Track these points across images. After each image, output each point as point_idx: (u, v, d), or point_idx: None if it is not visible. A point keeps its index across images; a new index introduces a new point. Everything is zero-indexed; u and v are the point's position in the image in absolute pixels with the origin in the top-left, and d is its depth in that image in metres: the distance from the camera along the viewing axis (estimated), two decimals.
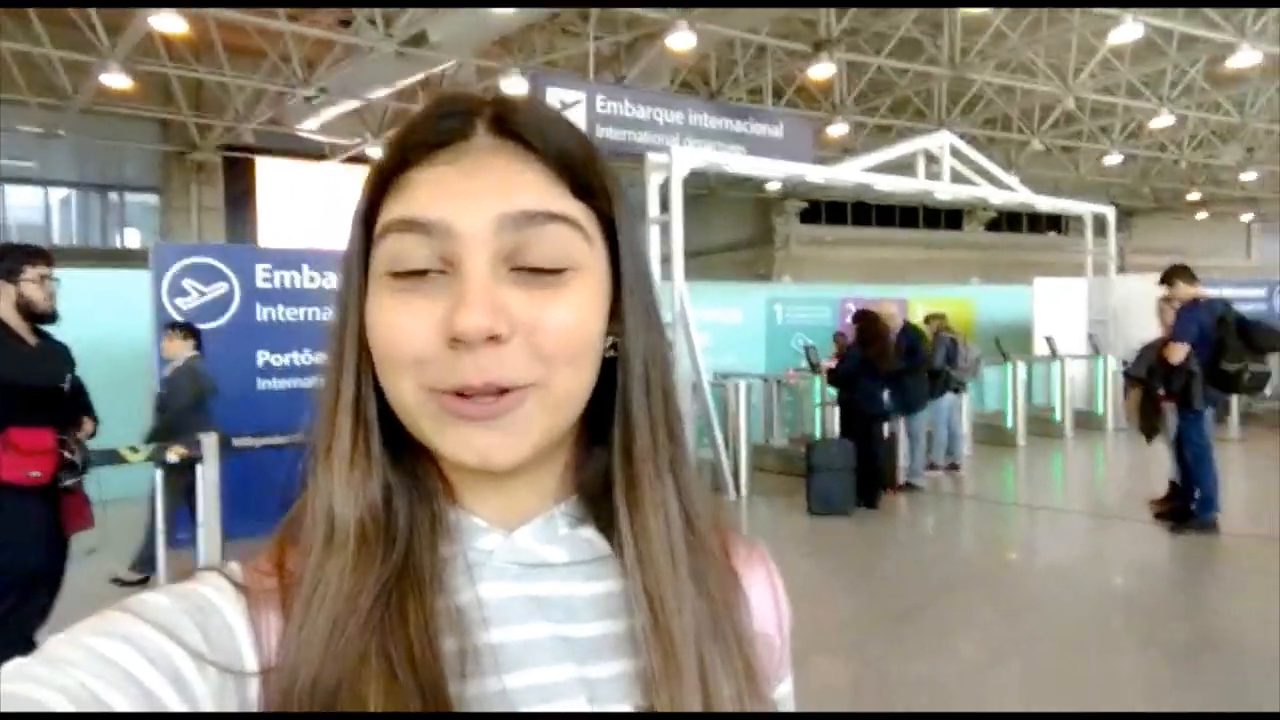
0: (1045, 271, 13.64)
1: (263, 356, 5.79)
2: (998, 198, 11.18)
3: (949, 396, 8.16)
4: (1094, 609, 4.68)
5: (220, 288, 5.69)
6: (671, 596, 0.50)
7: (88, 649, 0.40)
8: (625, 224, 0.52)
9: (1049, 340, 10.98)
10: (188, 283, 5.63)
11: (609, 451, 0.52)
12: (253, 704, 0.44)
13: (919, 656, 4.05)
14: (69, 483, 3.05)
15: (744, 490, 7.66)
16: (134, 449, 3.74)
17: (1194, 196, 25.08)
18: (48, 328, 3.23)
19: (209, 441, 3.72)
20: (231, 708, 0.43)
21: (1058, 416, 10.72)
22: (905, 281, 16.97)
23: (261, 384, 5.73)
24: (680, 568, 0.51)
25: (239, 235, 18.37)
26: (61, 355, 3.24)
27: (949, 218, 25.65)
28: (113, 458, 3.57)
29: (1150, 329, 6.41)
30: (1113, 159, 19.73)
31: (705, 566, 0.53)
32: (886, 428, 7.59)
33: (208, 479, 3.67)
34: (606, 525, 0.52)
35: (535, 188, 0.48)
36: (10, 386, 3.02)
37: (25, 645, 3.03)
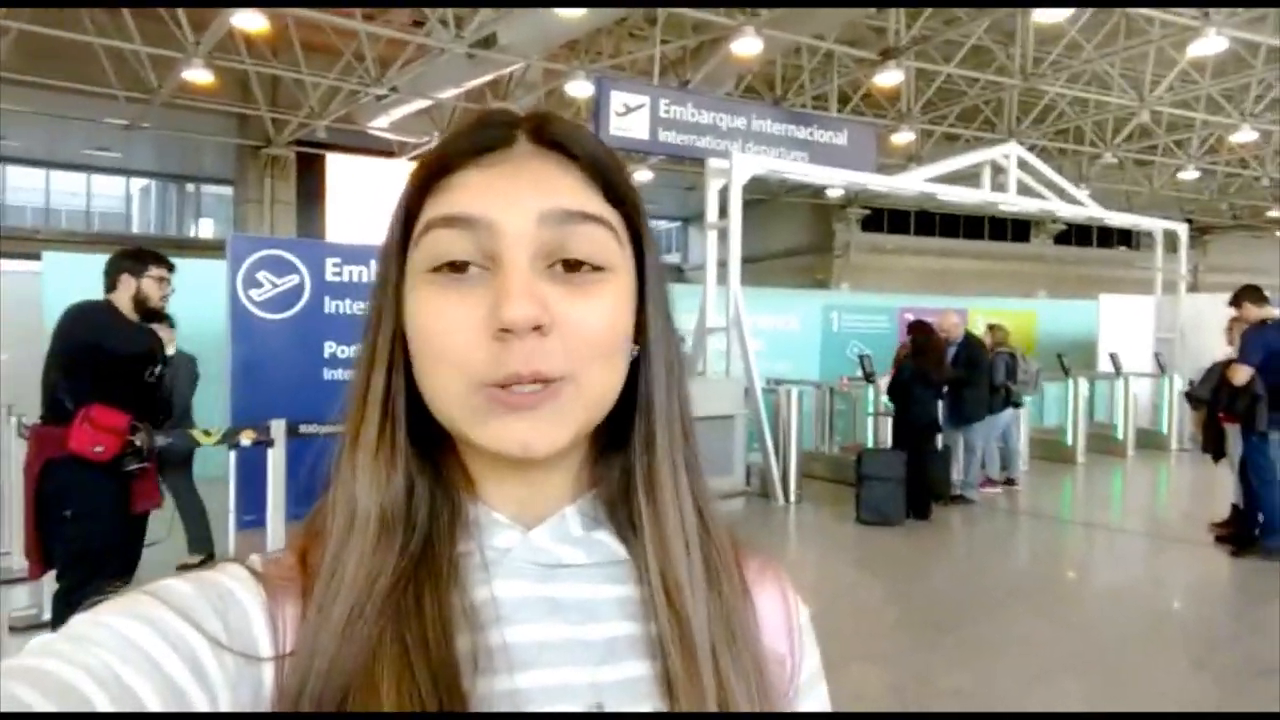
0: (1114, 287, 13.32)
1: (329, 348, 5.96)
2: (1065, 211, 10.96)
3: (1008, 411, 8.04)
4: (1143, 630, 4.60)
5: (292, 280, 5.89)
6: (689, 595, 0.51)
7: (112, 630, 0.41)
8: (648, 233, 0.54)
9: (1113, 357, 10.73)
10: (261, 274, 5.83)
11: (629, 450, 0.54)
12: (268, 691, 0.45)
13: (960, 668, 4.04)
14: (131, 468, 3.23)
15: (793, 496, 7.66)
16: (207, 432, 3.94)
17: (1275, 214, 24.15)
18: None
19: (278, 426, 3.89)
20: (247, 694, 0.44)
21: (1119, 435, 10.47)
22: (967, 293, 16.71)
23: (328, 374, 5.90)
24: (694, 558, 0.52)
25: (309, 229, 18.87)
26: (158, 341, 3.47)
27: (1015, 229, 25.13)
28: (188, 439, 3.75)
29: (1218, 349, 6.27)
30: (1188, 174, 19.13)
31: (717, 561, 0.54)
32: (941, 440, 7.55)
33: (276, 462, 3.84)
34: (621, 528, 0.54)
35: (573, 190, 0.50)
36: (106, 360, 3.25)
37: None
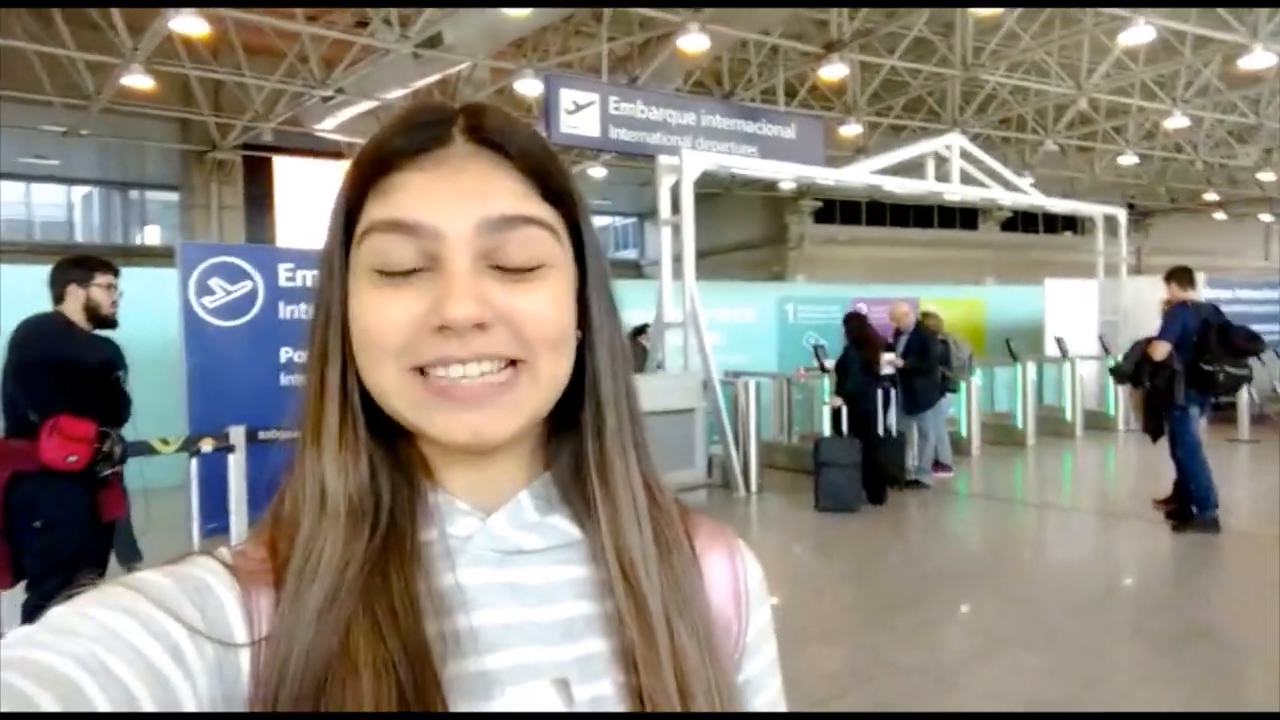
0: (1061, 271, 13.66)
1: (286, 353, 5.94)
2: (1008, 199, 11.23)
3: (946, 397, 8.26)
4: (1088, 602, 4.77)
5: (245, 286, 5.85)
6: (643, 571, 0.53)
7: (93, 620, 0.41)
8: (587, 225, 0.56)
9: (1059, 341, 11.02)
10: (214, 281, 5.79)
11: (579, 433, 0.56)
12: (245, 677, 0.46)
13: (916, 645, 4.16)
14: (106, 473, 3.23)
15: (754, 487, 7.77)
16: (165, 441, 3.91)
17: (1211, 197, 24.96)
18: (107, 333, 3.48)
19: (238, 433, 3.89)
20: (226, 681, 0.45)
21: (1068, 417, 10.77)
22: (919, 281, 17.02)
23: (285, 379, 5.87)
24: (646, 533, 0.55)
25: (258, 233, 18.57)
26: (115, 348, 3.45)
27: (964, 217, 25.62)
28: (145, 449, 3.73)
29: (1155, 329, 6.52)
30: (1128, 159, 19.67)
31: (667, 534, 0.57)
32: (895, 427, 7.72)
33: (237, 469, 3.84)
34: (575, 509, 0.56)
35: (511, 193, 0.51)
36: (67, 372, 3.25)
37: None
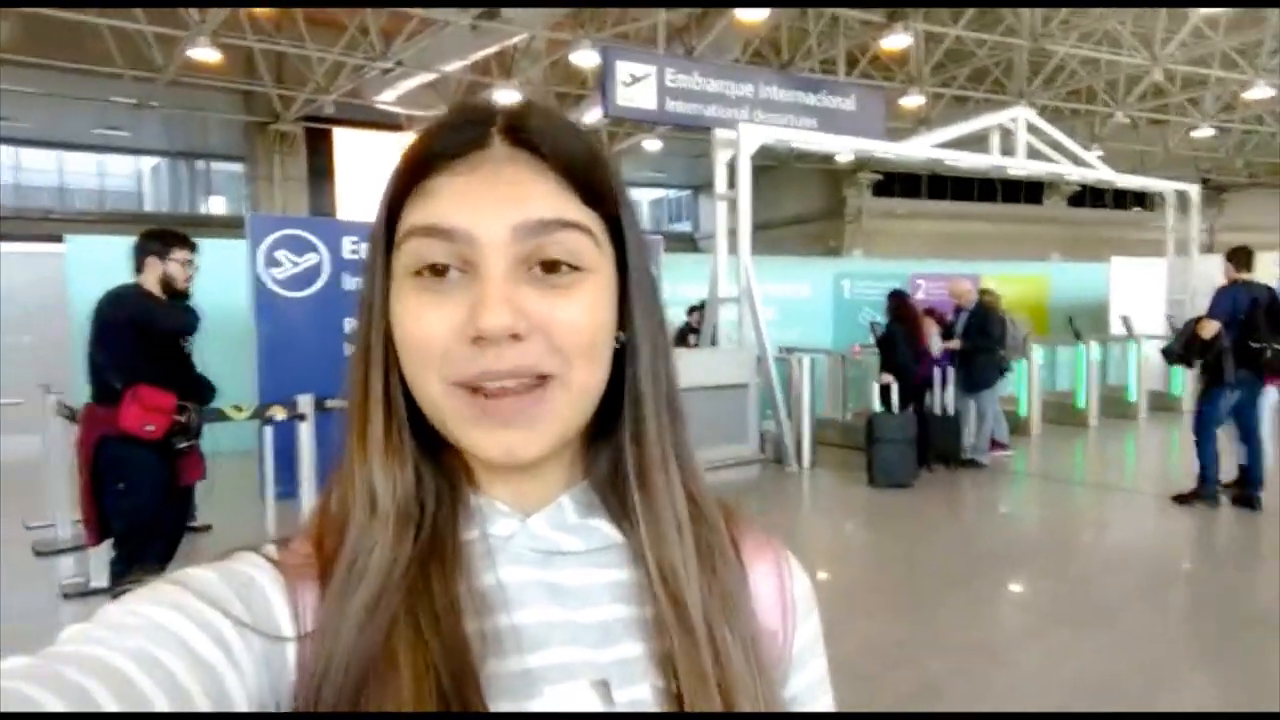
0: (1129, 249, 13.27)
1: (350, 324, 6.10)
2: (1075, 174, 10.91)
3: (1005, 376, 8.16)
4: (1145, 585, 4.70)
5: (311, 258, 6.01)
6: (684, 577, 0.53)
7: (144, 616, 0.43)
8: (630, 225, 0.55)
9: (1125, 320, 10.73)
10: (281, 253, 5.96)
11: (619, 440, 0.56)
12: (291, 670, 0.47)
13: (967, 622, 4.15)
14: (183, 445, 3.40)
15: (806, 462, 7.76)
16: (238, 408, 4.07)
17: None
18: None
19: (306, 401, 4.03)
20: (273, 672, 0.46)
21: (1131, 397, 10.51)
22: (981, 257, 16.66)
23: (349, 349, 6.05)
24: (686, 540, 0.54)
25: (320, 204, 18.91)
26: (191, 316, 3.63)
27: (1029, 192, 24.93)
28: (218, 416, 3.88)
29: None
30: (1203, 132, 18.91)
31: (710, 540, 0.56)
32: (952, 405, 7.65)
33: (307, 436, 3.98)
34: (615, 513, 0.56)
35: (548, 197, 0.50)
36: (145, 337, 3.41)
37: None
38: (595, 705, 0.51)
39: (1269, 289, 6.05)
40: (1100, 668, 3.61)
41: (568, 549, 0.54)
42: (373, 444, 0.51)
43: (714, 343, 8.15)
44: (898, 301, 7.80)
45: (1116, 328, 10.89)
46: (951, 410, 7.69)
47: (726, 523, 0.59)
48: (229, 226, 18.87)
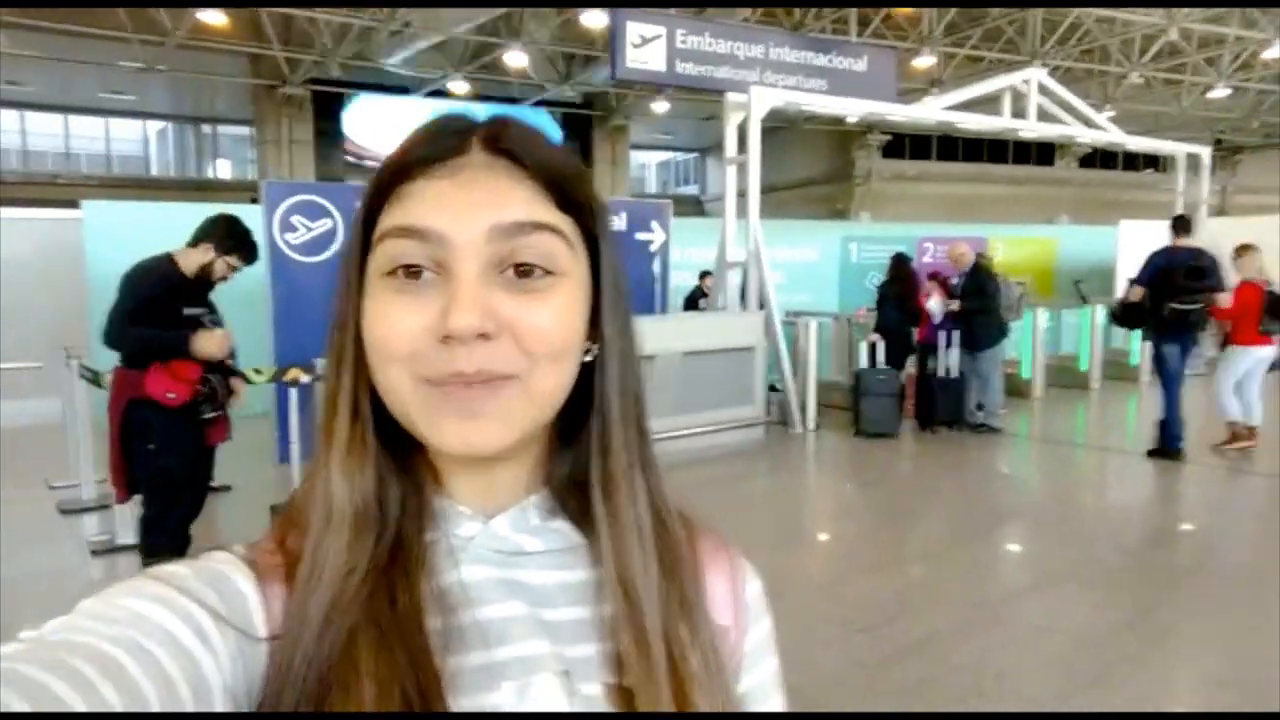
0: (1139, 211, 13.22)
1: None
2: (1086, 136, 10.84)
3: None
4: (1142, 543, 4.81)
5: (325, 224, 6.08)
6: (642, 583, 0.54)
7: (126, 608, 0.43)
8: (606, 237, 0.55)
9: (1131, 283, 10.72)
10: (295, 219, 6.02)
11: (585, 449, 0.56)
12: (263, 664, 0.47)
13: (966, 578, 4.27)
14: (209, 415, 3.53)
15: (811, 424, 7.89)
16: (258, 370, 4.19)
17: None
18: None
19: (323, 365, 4.13)
20: (247, 667, 0.46)
21: (1134, 360, 10.55)
22: (990, 220, 16.59)
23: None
24: (649, 555, 0.55)
25: (328, 168, 18.89)
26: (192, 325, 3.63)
27: (1040, 153, 24.70)
28: (238, 378, 3.99)
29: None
30: (1219, 92, 18.67)
31: (673, 553, 0.57)
32: (956, 368, 7.72)
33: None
34: (576, 517, 0.57)
35: (524, 201, 0.51)
36: (175, 314, 3.51)
37: (183, 542, 3.57)
38: (559, 696, 0.51)
39: (1197, 252, 6.49)
40: (1101, 620, 3.73)
41: (529, 549, 0.55)
42: (335, 445, 0.52)
43: (723, 307, 8.22)
44: (896, 264, 8.31)
45: (1122, 292, 10.88)
46: (956, 373, 7.74)
47: (686, 531, 0.60)
48: (235, 190, 18.96)
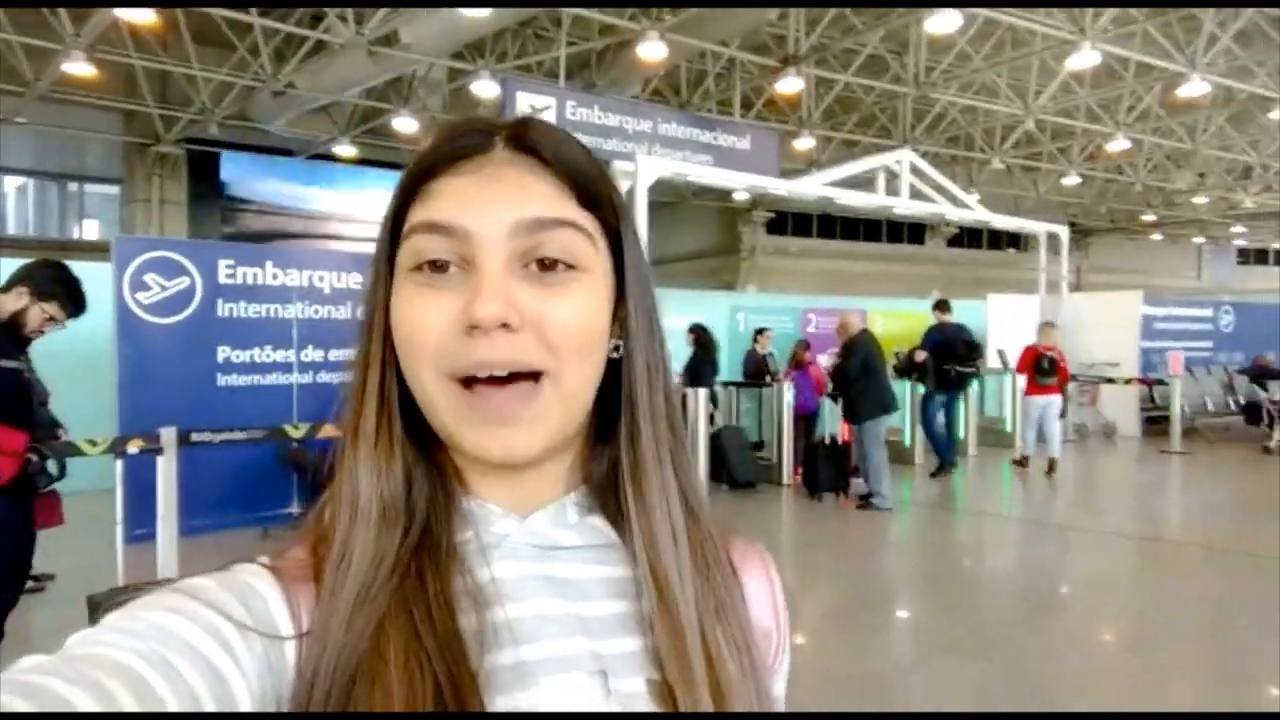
0: (1004, 287, 13.97)
1: (223, 352, 5.77)
2: (955, 214, 11.46)
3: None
4: (1029, 610, 4.87)
5: (182, 282, 5.67)
6: (676, 577, 0.54)
7: (148, 621, 0.43)
8: (629, 236, 0.56)
9: (1001, 354, 11.26)
10: (149, 276, 5.60)
11: (615, 444, 0.56)
12: (291, 668, 0.47)
13: (856, 650, 4.20)
14: (45, 489, 3.08)
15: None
16: (92, 442, 3.76)
17: (1149, 218, 25.78)
18: None
19: (168, 434, 3.74)
20: (275, 673, 0.46)
21: (1008, 428, 11.00)
22: (868, 294, 17.25)
23: (221, 380, 5.70)
24: (681, 546, 0.55)
25: (202, 229, 18.11)
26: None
27: (911, 232, 26.08)
28: (71, 450, 3.58)
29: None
30: (1071, 179, 20.23)
31: (705, 547, 0.57)
32: (840, 435, 7.86)
33: (166, 472, 3.69)
34: (613, 516, 0.56)
35: (547, 197, 0.52)
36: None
37: None
38: (594, 694, 0.51)
39: (959, 327, 9.04)
40: (991, 693, 3.69)
41: (565, 544, 0.55)
42: (362, 439, 0.52)
43: None
44: (696, 333, 8.96)
45: (994, 362, 11.40)
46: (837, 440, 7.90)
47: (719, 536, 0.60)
48: (103, 251, 17.84)
